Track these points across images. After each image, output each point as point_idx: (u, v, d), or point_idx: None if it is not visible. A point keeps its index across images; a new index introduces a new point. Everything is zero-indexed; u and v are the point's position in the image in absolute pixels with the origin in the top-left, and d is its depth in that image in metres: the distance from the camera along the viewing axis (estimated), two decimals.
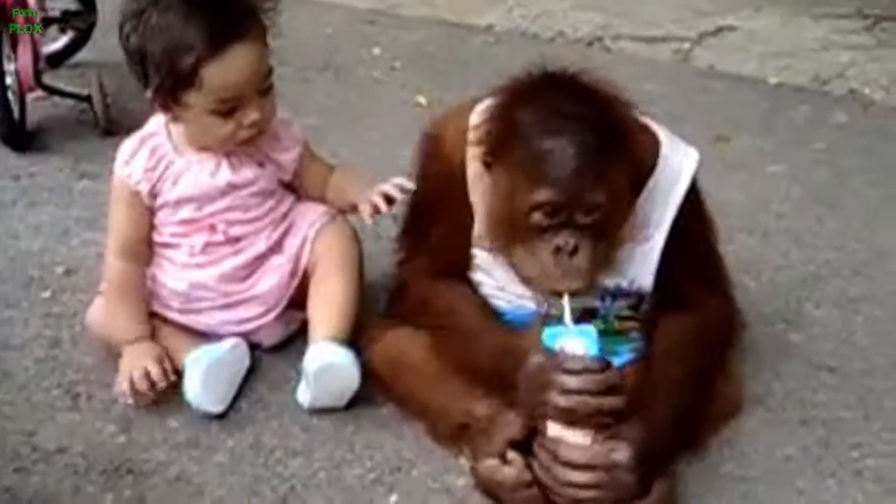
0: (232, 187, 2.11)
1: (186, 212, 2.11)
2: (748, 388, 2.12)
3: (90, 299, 2.23)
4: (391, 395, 2.04)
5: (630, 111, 1.89)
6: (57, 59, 3.36)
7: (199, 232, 2.13)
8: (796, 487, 1.91)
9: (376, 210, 2.12)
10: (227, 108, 2.02)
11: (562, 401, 1.77)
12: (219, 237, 2.13)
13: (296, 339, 2.20)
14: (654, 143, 1.97)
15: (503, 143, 1.86)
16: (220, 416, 2.02)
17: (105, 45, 3.45)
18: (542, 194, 1.80)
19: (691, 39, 4.18)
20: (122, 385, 2.04)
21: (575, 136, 1.79)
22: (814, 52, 4.07)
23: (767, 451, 1.99)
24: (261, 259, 2.17)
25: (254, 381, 2.12)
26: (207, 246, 2.13)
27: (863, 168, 3.09)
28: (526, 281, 1.90)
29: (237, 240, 2.15)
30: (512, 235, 1.87)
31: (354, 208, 2.18)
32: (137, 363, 2.03)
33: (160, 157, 2.10)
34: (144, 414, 2.03)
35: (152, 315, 2.14)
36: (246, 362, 2.14)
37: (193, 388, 2.02)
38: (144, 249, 2.14)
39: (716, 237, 2.09)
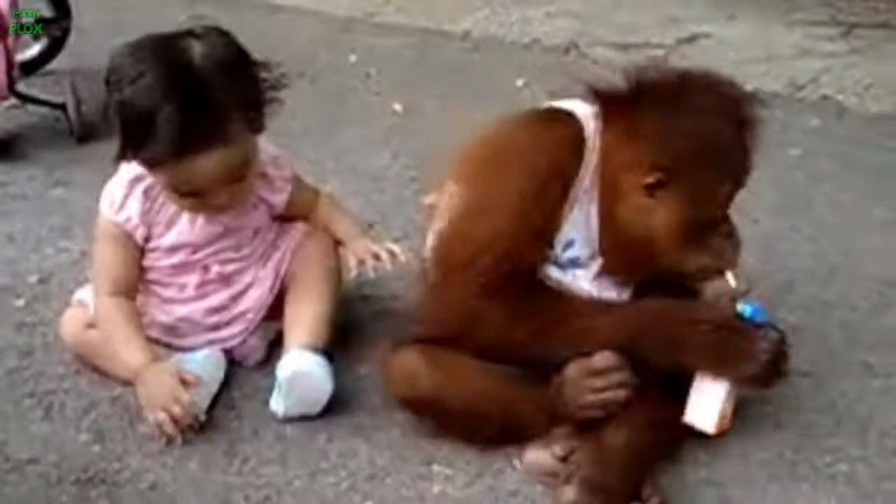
0: (228, 231, 2.11)
1: (180, 256, 2.10)
2: None
3: (63, 308, 2.22)
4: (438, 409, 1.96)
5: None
6: (31, 67, 3.34)
7: (192, 273, 2.12)
8: (770, 492, 1.92)
9: (361, 263, 2.13)
10: (191, 193, 1.98)
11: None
12: (212, 276, 2.13)
13: (270, 349, 2.20)
14: None
15: (681, 157, 1.86)
16: (195, 425, 2.01)
17: (79, 52, 3.45)
18: (728, 186, 1.92)
19: (667, 46, 4.20)
20: (151, 419, 1.96)
21: (729, 127, 1.89)
22: (788, 59, 4.10)
23: (741, 456, 2.00)
24: (250, 285, 2.17)
25: (228, 389, 2.11)
26: (199, 286, 2.12)
27: (836, 174, 3.12)
28: (692, 274, 1.97)
29: (229, 277, 2.14)
30: (692, 237, 1.92)
31: (338, 241, 2.21)
32: (158, 400, 1.94)
33: (153, 199, 2.05)
34: (117, 423, 2.02)
35: None
36: (221, 371, 2.13)
37: None
38: (134, 290, 2.10)
39: None
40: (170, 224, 2.07)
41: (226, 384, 2.12)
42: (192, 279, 2.11)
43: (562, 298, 1.94)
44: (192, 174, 1.93)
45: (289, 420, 2.03)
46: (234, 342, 2.16)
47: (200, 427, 2.00)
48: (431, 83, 3.68)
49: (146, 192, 2.05)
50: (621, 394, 1.88)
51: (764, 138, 3.04)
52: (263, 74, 2.02)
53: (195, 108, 1.88)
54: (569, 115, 1.94)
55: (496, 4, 4.58)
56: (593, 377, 1.88)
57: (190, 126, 1.88)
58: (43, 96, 3.15)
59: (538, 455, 1.90)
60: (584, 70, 3.81)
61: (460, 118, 3.33)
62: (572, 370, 1.89)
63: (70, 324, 2.16)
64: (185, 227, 2.08)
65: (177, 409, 1.93)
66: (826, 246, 2.72)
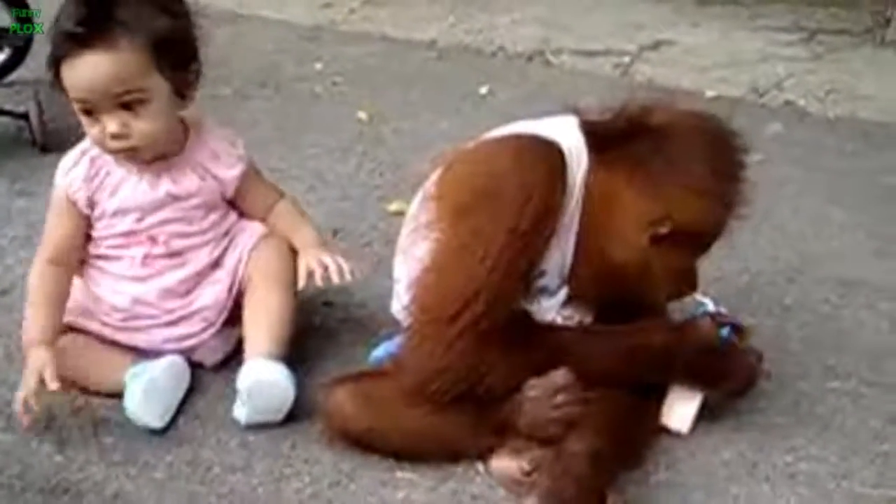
0: (172, 198, 2.10)
1: (126, 223, 2.10)
2: None
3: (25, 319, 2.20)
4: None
5: None
6: None
7: (139, 244, 2.12)
8: (731, 493, 1.94)
9: (309, 275, 2.12)
10: (86, 111, 2.00)
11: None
12: (159, 249, 2.12)
13: (234, 355, 2.19)
14: None
15: (688, 212, 1.87)
16: (158, 433, 2.01)
17: (42, 61, 3.42)
18: (724, 231, 1.97)
19: (631, 53, 4.23)
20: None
21: (730, 179, 1.92)
22: (751, 65, 4.14)
23: (703, 458, 2.01)
24: (202, 274, 2.16)
25: (192, 397, 2.11)
26: (147, 258, 2.12)
27: (797, 177, 3.15)
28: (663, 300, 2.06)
29: (179, 253, 2.14)
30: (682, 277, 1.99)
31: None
32: (26, 378, 1.98)
33: (99, 167, 2.08)
34: (80, 433, 2.01)
35: (88, 335, 2.12)
36: (186, 379, 2.13)
37: (133, 404, 2.00)
38: (74, 259, 2.12)
39: None
40: (114, 190, 2.08)
41: (189, 391, 2.11)
42: (140, 251, 2.11)
43: (555, 334, 1.96)
44: (76, 74, 1.95)
45: (252, 427, 2.02)
46: (194, 342, 2.15)
47: (164, 435, 2.00)
48: (397, 91, 3.69)
49: (93, 160, 2.08)
50: (578, 409, 1.89)
51: None
52: (189, 26, 2.06)
53: (95, 10, 1.95)
54: (553, 146, 1.89)
55: (462, 13, 4.60)
56: (555, 395, 1.88)
57: (85, 22, 1.93)
58: (5, 106, 3.13)
59: (503, 463, 1.91)
60: (552, 81, 3.86)
61: (425, 126, 3.37)
62: (533, 390, 1.89)
63: None
64: (128, 192, 2.08)
65: (20, 396, 1.97)
66: (786, 250, 2.75)
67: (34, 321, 2.07)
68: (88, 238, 2.13)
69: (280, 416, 2.03)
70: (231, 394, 2.07)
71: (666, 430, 2.03)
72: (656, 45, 4.35)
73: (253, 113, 3.44)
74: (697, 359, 1.97)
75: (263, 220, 2.25)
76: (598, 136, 1.91)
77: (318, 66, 3.91)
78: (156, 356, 2.10)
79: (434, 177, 1.98)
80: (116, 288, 2.13)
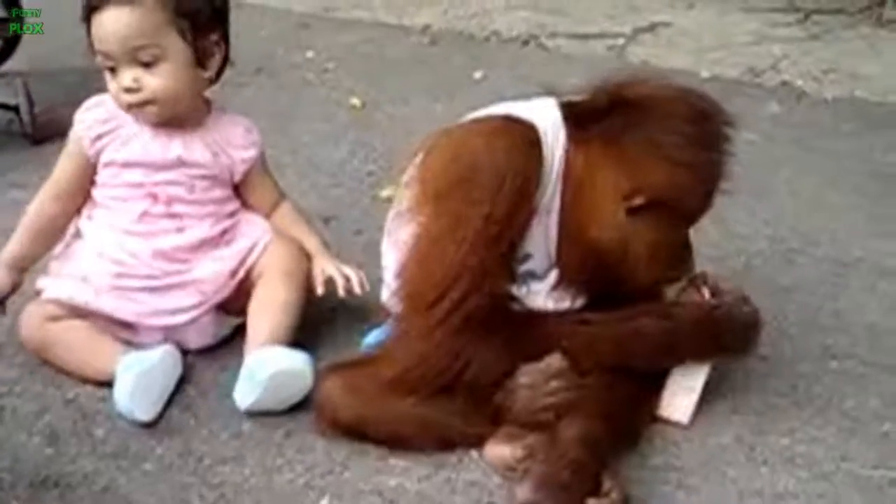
0: (181, 162, 2.12)
1: (132, 176, 2.12)
2: None
3: (17, 310, 2.18)
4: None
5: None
6: None
7: (140, 199, 2.13)
8: (729, 476, 1.91)
9: (328, 285, 2.17)
10: (108, 66, 2.06)
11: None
12: (159, 209, 2.13)
13: (225, 344, 2.18)
14: None
15: (665, 183, 1.84)
16: (149, 425, 1.98)
17: (33, 53, 3.42)
18: (708, 204, 1.93)
19: (625, 36, 4.22)
20: None
21: (710, 151, 1.87)
22: (746, 46, 4.12)
23: (700, 441, 1.99)
24: (203, 246, 2.15)
25: (183, 386, 2.09)
26: (145, 215, 2.12)
27: (794, 158, 3.13)
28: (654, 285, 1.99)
29: (177, 217, 2.14)
30: (669, 255, 1.94)
31: None
32: None
33: (117, 115, 2.13)
34: (71, 425, 1.99)
35: (79, 315, 2.10)
36: (178, 369, 2.10)
37: (124, 396, 1.97)
38: (75, 199, 2.17)
39: None
40: (126, 141, 2.12)
41: (181, 381, 2.09)
42: (141, 206, 2.12)
43: (541, 322, 1.92)
44: (100, 26, 2.04)
45: (245, 417, 2.00)
46: (185, 318, 2.12)
47: (155, 426, 1.98)
48: (389, 77, 3.67)
49: (114, 109, 2.13)
50: (572, 395, 1.87)
51: None
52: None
53: None
54: (528, 126, 1.86)
55: None
56: (549, 381, 1.87)
57: None
58: None
59: (498, 449, 1.89)
60: (547, 65, 3.83)
61: (418, 112, 3.35)
62: (527, 376, 1.87)
63: (29, 319, 2.13)
64: (139, 146, 2.12)
65: None
66: (784, 230, 2.73)
67: (12, 243, 2.16)
68: (93, 183, 2.16)
69: (285, 406, 2.01)
70: (223, 384, 2.06)
71: (652, 419, 2.00)
72: (652, 27, 4.34)
73: (246, 100, 3.41)
74: (691, 336, 1.94)
75: (266, 216, 2.26)
76: (577, 114, 1.88)
77: (310, 53, 3.89)
78: (148, 346, 2.09)
79: (415, 162, 1.96)
80: (111, 239, 2.13)
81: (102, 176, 2.14)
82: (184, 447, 1.95)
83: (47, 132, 2.95)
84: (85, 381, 2.07)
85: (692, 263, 2.01)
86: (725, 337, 1.97)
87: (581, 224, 1.89)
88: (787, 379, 2.17)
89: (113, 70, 2.06)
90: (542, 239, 1.92)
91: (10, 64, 3.38)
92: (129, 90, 2.06)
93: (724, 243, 2.62)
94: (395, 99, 3.46)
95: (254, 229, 2.21)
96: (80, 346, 2.09)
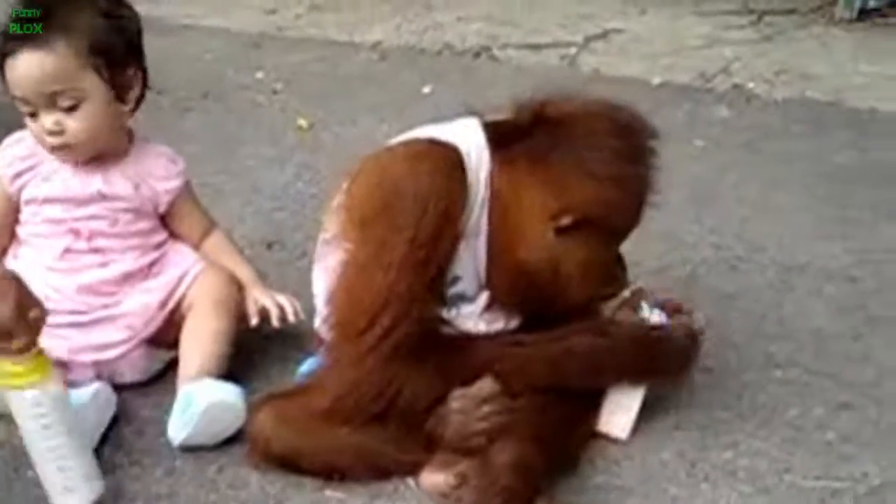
0: (102, 196, 2.10)
1: (53, 212, 2.09)
2: None
3: None
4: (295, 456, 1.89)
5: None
6: None
7: (62, 235, 2.10)
8: (670, 494, 1.88)
9: (262, 315, 2.14)
10: (26, 110, 2.03)
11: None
12: (81, 244, 2.10)
13: (159, 379, 2.14)
14: None
15: (591, 202, 1.80)
16: None
17: None
18: (637, 220, 1.90)
19: (577, 45, 4.20)
20: None
21: (636, 166, 1.83)
22: (698, 50, 4.12)
23: (641, 459, 1.96)
24: (129, 279, 2.12)
25: (116, 425, 2.05)
26: (68, 252, 2.09)
27: (742, 162, 3.12)
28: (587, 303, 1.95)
29: (100, 251, 2.11)
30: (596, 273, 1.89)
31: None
32: None
33: (36, 152, 2.10)
34: (2, 467, 1.95)
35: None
36: (111, 407, 2.07)
37: None
38: (2, 238, 2.14)
39: None
40: (47, 177, 2.10)
41: (114, 419, 2.05)
42: (63, 242, 2.10)
43: (473, 346, 1.89)
44: (14, 72, 2.00)
45: (179, 451, 1.96)
46: (114, 353, 2.09)
47: None
48: (338, 96, 3.65)
49: (34, 146, 2.10)
50: (505, 418, 1.84)
51: (670, 131, 3.06)
52: (130, 30, 2.09)
53: (28, 7, 2.01)
54: (451, 149, 1.82)
55: (408, 12, 4.57)
56: (480, 405, 1.84)
57: (20, 20, 1.99)
58: None
59: (432, 477, 1.86)
60: (497, 77, 3.81)
61: (365, 131, 3.32)
62: (458, 401, 1.84)
63: None
64: (59, 182, 2.09)
65: None
66: (729, 237, 2.71)
67: None
68: (17, 221, 2.13)
69: (219, 440, 1.98)
70: (156, 420, 2.02)
71: (589, 437, 1.98)
72: (604, 34, 4.33)
73: (192, 125, 3.40)
74: (628, 357, 1.92)
75: (196, 246, 2.22)
76: (500, 134, 1.85)
77: (260, 74, 3.86)
78: (80, 383, 2.05)
79: (342, 188, 1.93)
80: (36, 276, 2.05)
81: (24, 213, 2.11)
82: (116, 487, 1.91)
83: None
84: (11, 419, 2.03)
85: (625, 279, 1.98)
86: (661, 358, 1.95)
87: (509, 245, 1.86)
88: (731, 390, 2.15)
89: (32, 114, 2.03)
90: (470, 261, 1.89)
91: None
92: (51, 133, 2.03)
93: (668, 253, 2.60)
94: (342, 119, 3.44)
95: (183, 259, 2.18)
96: None
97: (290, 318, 2.14)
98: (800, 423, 2.06)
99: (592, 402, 1.98)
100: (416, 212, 1.77)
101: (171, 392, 2.03)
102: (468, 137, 1.85)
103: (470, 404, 1.84)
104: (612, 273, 1.95)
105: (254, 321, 2.15)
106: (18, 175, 2.09)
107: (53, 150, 2.06)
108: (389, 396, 1.81)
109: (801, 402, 2.12)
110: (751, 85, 3.77)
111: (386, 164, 1.87)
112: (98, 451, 1.97)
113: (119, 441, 2.02)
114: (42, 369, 1.75)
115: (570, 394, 1.90)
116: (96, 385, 2.05)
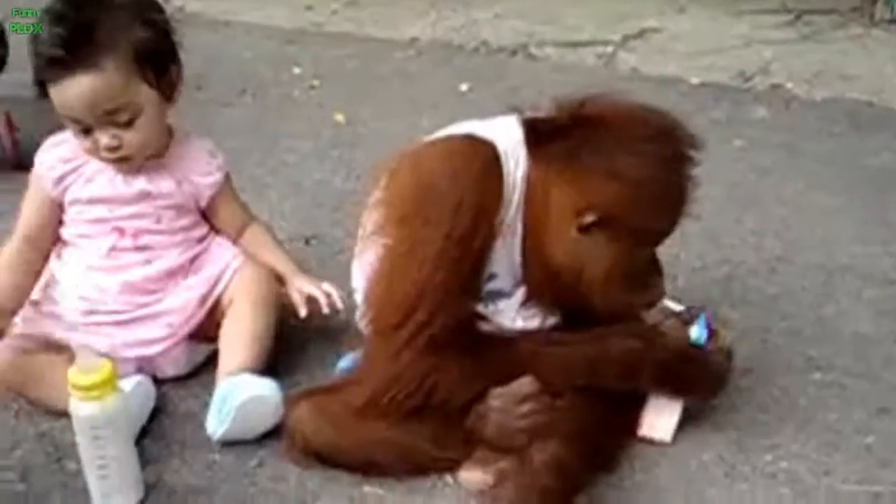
0: (145, 195, 2.10)
1: (97, 212, 2.10)
2: None
3: None
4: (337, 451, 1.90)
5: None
6: None
7: (106, 234, 2.11)
8: (708, 496, 1.88)
9: (310, 301, 2.15)
10: (79, 129, 2.02)
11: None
12: (126, 242, 2.11)
13: (199, 372, 2.15)
14: None
15: (619, 201, 1.78)
16: None
17: (15, 80, 3.39)
18: (665, 227, 1.86)
19: (615, 43, 4.18)
20: None
21: (668, 170, 1.80)
22: (736, 50, 4.09)
23: (680, 460, 1.96)
24: (172, 276, 2.14)
25: (157, 417, 2.06)
26: (113, 250, 2.11)
27: (782, 164, 3.09)
28: (624, 308, 1.92)
29: (146, 249, 2.12)
30: (624, 276, 1.86)
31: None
32: None
33: (79, 154, 2.09)
34: (43, 460, 1.97)
35: (51, 348, 2.08)
36: (151, 400, 2.09)
37: None
38: (46, 239, 2.13)
39: None
40: (90, 178, 2.10)
41: (154, 411, 2.07)
42: (108, 241, 2.11)
43: (508, 343, 1.89)
44: (64, 96, 1.97)
45: (219, 447, 1.98)
46: (156, 349, 2.11)
47: None
48: (375, 92, 3.65)
49: (76, 147, 2.09)
50: (545, 417, 1.84)
51: (709, 132, 3.04)
52: (167, 30, 2.07)
53: (74, 31, 1.95)
54: (488, 146, 1.83)
55: (444, 8, 4.56)
56: (520, 404, 1.84)
57: (62, 45, 1.94)
58: None
59: (472, 474, 1.87)
60: (534, 75, 3.80)
61: (403, 127, 3.32)
62: (498, 399, 1.84)
63: (1, 353, 2.11)
64: (103, 183, 2.10)
65: None
66: (769, 238, 2.69)
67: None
68: (61, 223, 2.14)
69: (256, 434, 1.99)
70: (196, 413, 2.04)
71: (630, 438, 1.98)
72: (641, 34, 4.30)
73: (231, 120, 3.41)
74: (664, 366, 1.91)
75: (235, 239, 2.23)
76: (538, 133, 1.84)
77: (297, 70, 3.87)
78: (122, 375, 2.06)
79: (380, 184, 1.93)
80: (80, 276, 2.11)
81: (69, 214, 2.12)
82: (156, 478, 1.93)
83: (28, 159, 2.92)
84: (58, 414, 2.05)
85: (661, 288, 1.95)
86: (695, 376, 1.95)
87: (540, 243, 1.86)
88: (771, 393, 2.14)
89: (86, 131, 2.02)
90: (507, 259, 1.89)
91: None
92: (109, 149, 2.03)
93: (708, 253, 2.59)
94: (379, 115, 3.44)
95: (223, 254, 2.19)
96: (51, 379, 2.05)
97: (338, 304, 2.16)
98: (839, 426, 2.05)
99: (633, 404, 1.97)
100: (451, 208, 1.77)
101: (211, 385, 2.05)
102: (506, 135, 1.85)
103: (510, 403, 1.84)
104: (642, 279, 1.91)
105: (302, 312, 2.15)
106: (62, 178, 2.09)
107: (110, 163, 2.06)
108: (425, 391, 1.82)
109: (841, 406, 2.10)
110: (789, 85, 3.74)
111: (423, 160, 1.87)
112: (138, 443, 1.99)
113: (160, 433, 2.03)
114: (105, 384, 1.79)
115: (610, 395, 1.90)
116: (137, 378, 2.07)
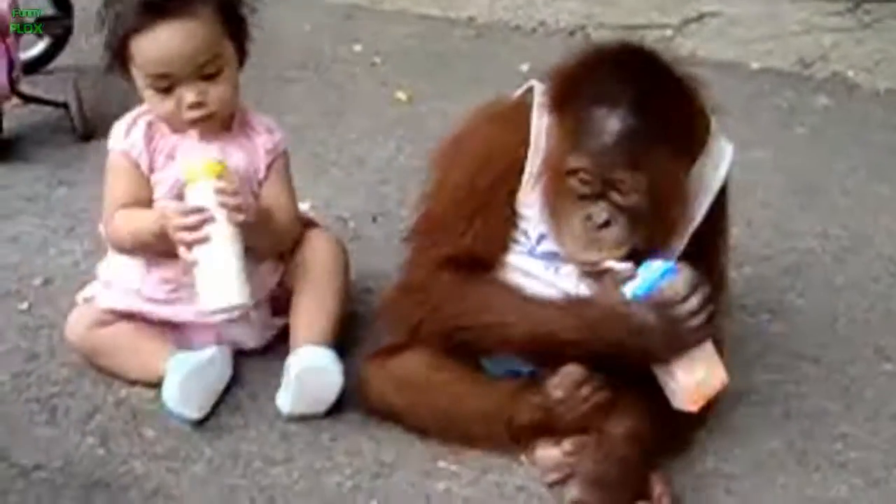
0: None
1: (177, 186, 2.08)
2: (731, 381, 2.09)
3: (68, 310, 2.20)
4: (405, 415, 1.98)
5: (693, 94, 1.88)
6: (33, 66, 3.33)
7: None
8: (779, 483, 1.90)
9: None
10: (163, 86, 2.00)
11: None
12: None
13: (276, 346, 2.18)
14: (707, 128, 1.91)
15: (562, 96, 1.85)
16: (199, 425, 2.00)
17: (82, 50, 3.43)
18: (576, 161, 1.79)
19: (673, 27, 4.16)
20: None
21: (624, 112, 1.76)
22: (796, 36, 4.05)
23: (751, 446, 1.98)
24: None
25: (233, 388, 2.10)
26: None
27: (846, 153, 3.08)
28: (560, 245, 1.88)
29: None
30: (555, 191, 1.86)
31: None
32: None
33: (155, 130, 2.09)
34: (122, 426, 2.01)
35: (131, 318, 2.12)
36: (228, 370, 2.12)
37: (172, 395, 1.99)
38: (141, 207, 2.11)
39: (729, 235, 2.05)
40: (170, 155, 2.09)
41: (231, 382, 2.10)
42: None
43: (496, 288, 1.91)
44: (156, 47, 1.97)
45: (293, 419, 2.01)
46: (237, 311, 2.09)
47: (204, 427, 2.00)
48: (436, 71, 3.65)
49: (149, 124, 2.08)
50: (607, 393, 1.85)
51: (772, 118, 3.03)
52: None
53: None
54: (522, 109, 1.93)
55: None
56: (579, 388, 1.85)
57: None
58: (45, 95, 3.13)
59: (546, 451, 1.89)
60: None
61: (465, 106, 3.32)
62: (557, 390, 1.85)
63: (77, 324, 2.15)
64: (181, 156, 2.08)
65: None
66: (835, 227, 2.69)
67: (146, 219, 2.05)
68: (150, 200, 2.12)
69: (323, 408, 2.02)
70: (273, 385, 2.06)
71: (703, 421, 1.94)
72: (700, 18, 4.27)
73: (293, 96, 3.42)
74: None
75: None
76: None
77: (357, 46, 3.87)
78: (199, 346, 2.10)
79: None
80: (167, 260, 2.09)
81: (156, 192, 2.10)
82: (233, 449, 1.96)
83: (96, 129, 2.96)
84: (135, 382, 2.09)
85: (602, 255, 1.84)
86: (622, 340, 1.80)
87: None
88: (839, 382, 2.15)
89: (167, 87, 2.00)
90: (535, 201, 1.92)
91: (59, 61, 3.40)
92: (194, 106, 2.01)
93: (775, 242, 2.59)
94: (441, 93, 3.44)
95: None
96: (129, 348, 2.10)
97: None
98: None
99: None
100: (476, 163, 1.92)
101: (284, 358, 2.07)
102: (537, 90, 1.94)
103: (569, 391, 1.85)
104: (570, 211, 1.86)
105: None
106: (151, 161, 2.08)
107: (193, 123, 2.04)
108: (431, 306, 1.89)
109: None
110: (850, 73, 3.71)
111: (465, 122, 2.02)
112: (214, 413, 2.03)
113: (236, 404, 2.07)
114: (219, 165, 1.97)
115: None
116: (214, 347, 2.10)
